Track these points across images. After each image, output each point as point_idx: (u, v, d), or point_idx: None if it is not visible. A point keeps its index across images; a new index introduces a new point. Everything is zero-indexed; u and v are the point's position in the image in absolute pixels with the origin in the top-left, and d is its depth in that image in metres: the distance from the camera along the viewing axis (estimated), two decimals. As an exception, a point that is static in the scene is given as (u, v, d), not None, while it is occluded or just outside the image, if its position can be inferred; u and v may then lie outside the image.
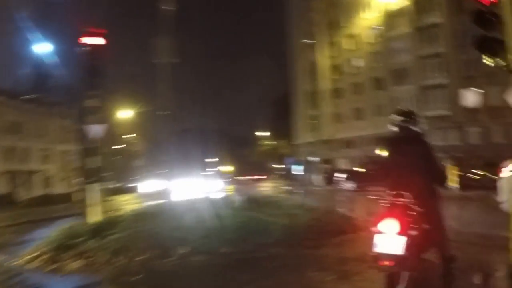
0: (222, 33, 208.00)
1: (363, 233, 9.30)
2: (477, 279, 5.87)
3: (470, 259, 6.77)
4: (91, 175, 11.91)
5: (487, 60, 6.94)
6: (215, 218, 10.06)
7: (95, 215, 11.22)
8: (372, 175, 32.63)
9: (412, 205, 4.92)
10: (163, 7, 23.85)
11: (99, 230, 9.24)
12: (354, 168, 38.71)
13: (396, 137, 5.51)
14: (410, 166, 5.21)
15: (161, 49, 24.49)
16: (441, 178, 5.66)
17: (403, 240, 4.68)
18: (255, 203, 13.00)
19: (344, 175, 35.52)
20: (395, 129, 5.51)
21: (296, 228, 9.93)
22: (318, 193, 31.74)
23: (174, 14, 23.98)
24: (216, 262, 8.16)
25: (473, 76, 42.56)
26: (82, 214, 12.22)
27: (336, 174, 36.75)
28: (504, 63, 6.71)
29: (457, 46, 45.47)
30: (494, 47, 6.78)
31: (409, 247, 4.68)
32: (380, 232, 4.80)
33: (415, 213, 4.91)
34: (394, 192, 5.07)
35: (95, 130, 12.20)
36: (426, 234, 5.01)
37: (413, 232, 4.79)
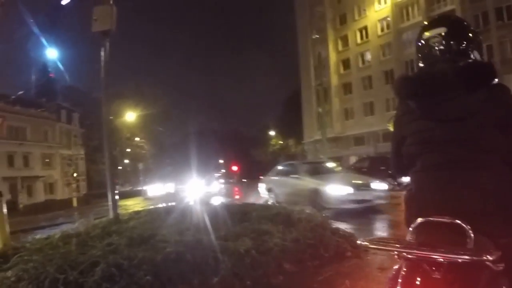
0: (228, 32, 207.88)
1: (368, 257, 7.05)
2: None
3: None
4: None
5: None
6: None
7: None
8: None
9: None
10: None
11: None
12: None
13: (429, 76, 2.27)
14: (464, 143, 2.12)
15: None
16: None
17: None
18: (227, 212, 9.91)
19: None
20: (424, 61, 2.44)
21: (261, 256, 6.22)
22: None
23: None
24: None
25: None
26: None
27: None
28: None
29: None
30: None
31: None
32: None
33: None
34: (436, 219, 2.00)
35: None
36: None
37: None
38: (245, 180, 65.94)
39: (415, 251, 1.82)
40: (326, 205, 13.33)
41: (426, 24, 2.46)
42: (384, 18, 55.76)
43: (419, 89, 2.23)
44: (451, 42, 2.31)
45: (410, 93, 2.29)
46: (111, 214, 9.27)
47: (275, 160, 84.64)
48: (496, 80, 2.18)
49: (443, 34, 2.32)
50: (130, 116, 52.04)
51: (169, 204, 14.23)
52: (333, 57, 63.58)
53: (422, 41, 2.41)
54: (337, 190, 13.77)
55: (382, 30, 56.54)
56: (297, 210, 9.37)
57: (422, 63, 2.42)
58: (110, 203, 9.23)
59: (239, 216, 8.82)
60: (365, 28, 58.86)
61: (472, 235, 1.84)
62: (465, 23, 2.42)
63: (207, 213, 8.61)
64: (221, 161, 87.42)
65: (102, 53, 9.27)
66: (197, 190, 28.46)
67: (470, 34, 2.36)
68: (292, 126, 75.29)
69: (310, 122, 66.94)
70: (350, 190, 13.68)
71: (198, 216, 8.53)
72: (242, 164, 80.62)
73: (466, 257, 1.69)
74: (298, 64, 71.95)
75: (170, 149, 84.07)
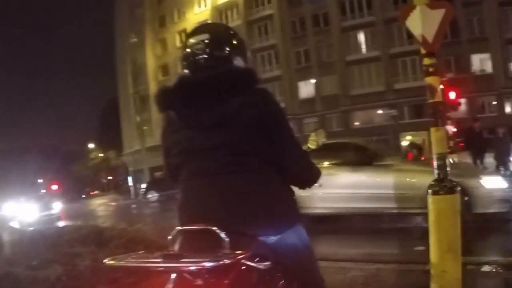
0: (41, 36, 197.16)
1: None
2: None
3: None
4: None
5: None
6: None
7: None
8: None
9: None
10: None
11: None
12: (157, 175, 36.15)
13: (188, 85, 2.10)
14: (216, 152, 2.05)
15: None
16: (304, 174, 2.25)
17: None
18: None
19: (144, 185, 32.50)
20: (188, 69, 2.19)
21: (72, 281, 5.99)
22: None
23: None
24: None
25: (307, 67, 44.68)
26: None
27: (142, 185, 34.77)
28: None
29: (290, 37, 46.69)
30: None
31: None
32: None
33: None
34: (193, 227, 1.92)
35: None
36: None
37: None
38: (84, 196, 63.40)
39: (164, 263, 1.74)
40: (474, 210, 8.44)
41: (190, 31, 2.32)
42: (204, 21, 55.64)
43: (178, 99, 2.12)
44: (213, 49, 2.18)
45: (169, 104, 2.18)
46: None
47: (96, 175, 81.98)
48: (258, 85, 2.14)
49: (206, 41, 2.18)
50: None
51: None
52: (151, 62, 61.37)
53: (187, 49, 2.24)
54: (492, 182, 8.73)
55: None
56: (109, 227, 8.82)
57: (186, 71, 2.24)
58: None
59: (53, 240, 8.40)
60: (185, 31, 57.44)
61: (227, 239, 1.80)
62: (231, 30, 2.35)
63: (20, 241, 8.41)
64: (40, 180, 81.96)
65: None
66: (29, 215, 24.28)
67: (234, 41, 2.28)
68: (112, 137, 72.28)
69: (129, 132, 64.10)
70: (503, 183, 8.94)
71: (9, 245, 8.20)
72: (63, 181, 76.26)
73: (216, 262, 1.61)
74: (115, 70, 69.01)
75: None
